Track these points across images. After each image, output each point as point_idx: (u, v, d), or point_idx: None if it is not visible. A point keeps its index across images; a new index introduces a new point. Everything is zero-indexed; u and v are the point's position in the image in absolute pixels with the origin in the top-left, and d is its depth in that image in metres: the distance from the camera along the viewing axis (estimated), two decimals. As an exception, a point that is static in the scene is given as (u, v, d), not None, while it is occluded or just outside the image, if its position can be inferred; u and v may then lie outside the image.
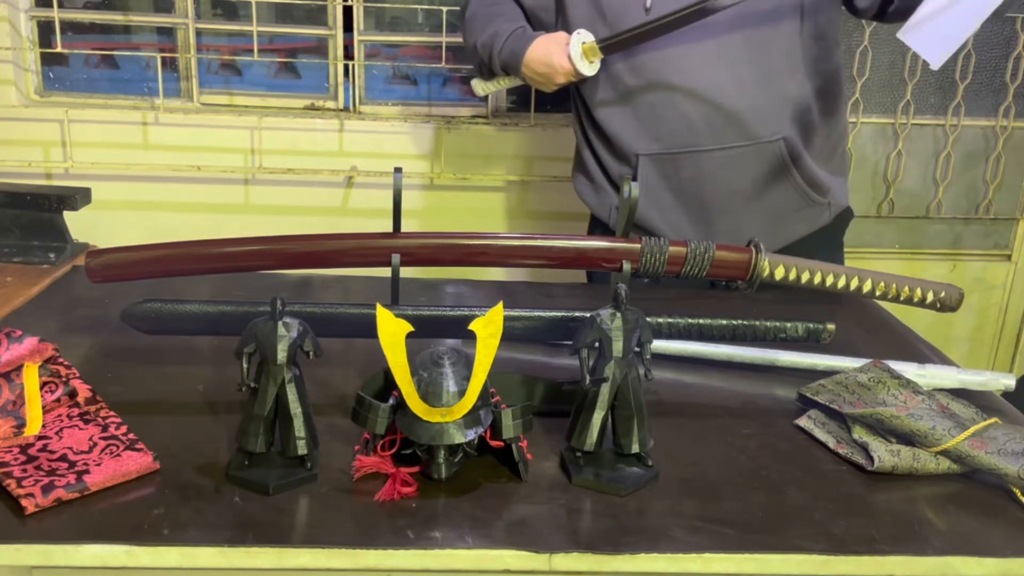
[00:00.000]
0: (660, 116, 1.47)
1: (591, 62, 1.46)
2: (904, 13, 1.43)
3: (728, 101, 1.44)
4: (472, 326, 0.86)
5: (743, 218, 1.50)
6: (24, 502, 0.79)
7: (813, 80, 1.48)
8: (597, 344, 0.91)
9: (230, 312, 1.05)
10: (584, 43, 1.44)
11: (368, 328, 0.92)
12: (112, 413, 0.94)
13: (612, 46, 1.44)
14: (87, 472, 0.83)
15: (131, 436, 0.89)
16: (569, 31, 1.51)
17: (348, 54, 2.23)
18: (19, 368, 0.95)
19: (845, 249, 1.66)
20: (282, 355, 0.85)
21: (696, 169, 1.48)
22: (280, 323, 0.86)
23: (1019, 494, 0.90)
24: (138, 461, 0.85)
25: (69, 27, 2.21)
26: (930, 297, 1.31)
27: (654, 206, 1.51)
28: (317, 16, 2.22)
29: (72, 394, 0.96)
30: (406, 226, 1.18)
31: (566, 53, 1.45)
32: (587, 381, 0.89)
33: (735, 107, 1.44)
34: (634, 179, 1.50)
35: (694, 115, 1.44)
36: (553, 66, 1.46)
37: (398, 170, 1.15)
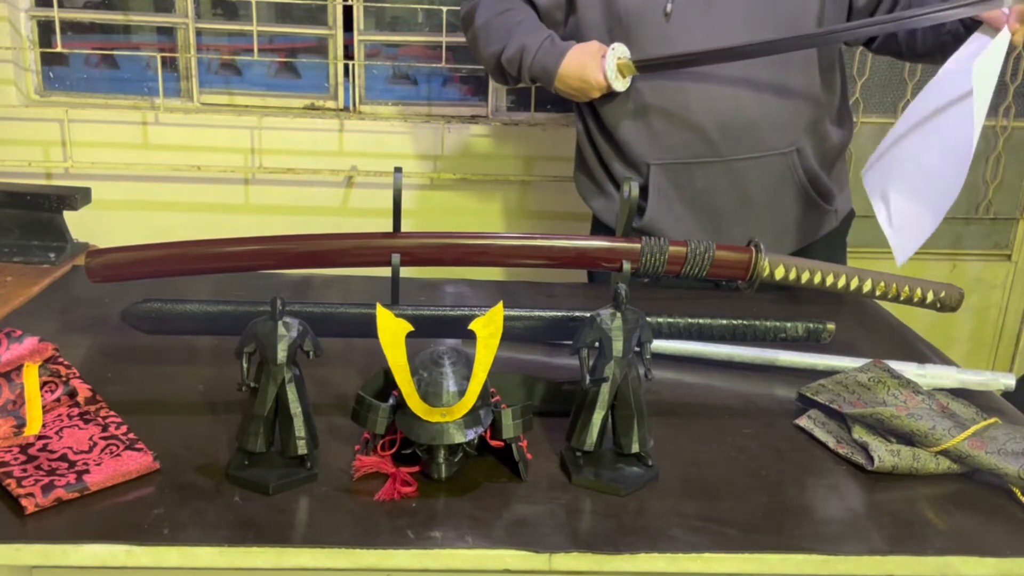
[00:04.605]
0: (675, 126, 1.45)
1: (624, 78, 1.44)
2: (886, 50, 1.45)
3: (745, 112, 1.43)
4: (472, 326, 0.86)
5: (754, 227, 1.49)
6: (24, 502, 0.79)
7: (826, 91, 1.48)
8: (597, 344, 0.91)
9: (230, 312, 1.05)
10: (619, 59, 1.42)
11: (368, 328, 0.92)
12: (112, 413, 0.94)
13: (649, 66, 1.41)
14: (87, 472, 0.83)
15: (131, 436, 0.89)
16: (582, 31, 1.49)
17: (348, 54, 2.23)
18: (19, 368, 0.95)
19: (847, 249, 1.66)
20: (282, 355, 0.85)
21: (709, 179, 1.47)
22: (280, 323, 0.86)
23: (1019, 494, 0.90)
24: (138, 461, 0.85)
25: (69, 27, 2.21)
26: (930, 297, 1.31)
27: (667, 216, 1.50)
28: (317, 16, 2.22)
29: (72, 394, 0.96)
30: (406, 226, 1.18)
31: (601, 69, 1.42)
32: (587, 381, 0.89)
33: (751, 118, 1.43)
34: (645, 188, 1.49)
35: (710, 126, 1.43)
36: (588, 81, 1.43)
37: (398, 170, 1.15)
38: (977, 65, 1.21)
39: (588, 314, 0.94)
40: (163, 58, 2.15)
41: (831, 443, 0.98)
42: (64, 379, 0.97)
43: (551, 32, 1.50)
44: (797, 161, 1.46)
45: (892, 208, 1.31)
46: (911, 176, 1.30)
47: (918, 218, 1.28)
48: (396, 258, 1.16)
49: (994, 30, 1.24)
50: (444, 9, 2.18)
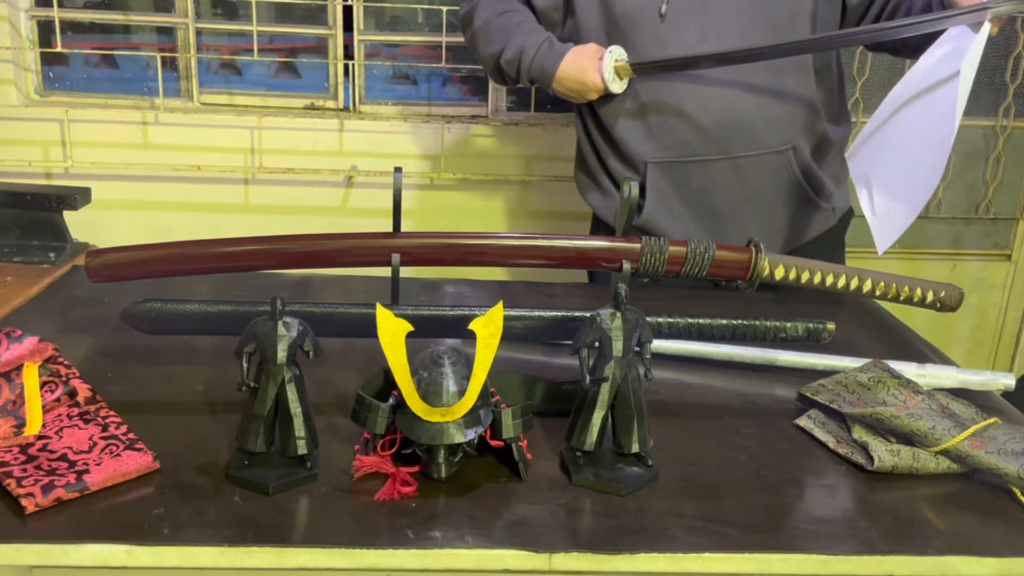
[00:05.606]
0: (672, 125, 1.46)
1: (621, 80, 1.45)
2: (882, 48, 1.46)
3: (741, 111, 1.43)
4: (472, 326, 0.86)
5: (752, 225, 1.49)
6: (24, 502, 0.79)
7: (822, 89, 1.48)
8: (597, 344, 0.91)
9: (230, 312, 1.05)
10: (617, 61, 1.43)
11: (368, 328, 0.92)
12: (112, 413, 0.94)
13: (646, 68, 1.42)
14: (87, 472, 0.83)
15: (131, 436, 0.89)
16: (580, 33, 1.50)
17: (348, 54, 2.23)
18: (19, 368, 0.95)
19: (846, 248, 1.66)
20: (282, 355, 0.85)
21: (706, 178, 1.47)
22: (280, 323, 0.86)
23: (1019, 494, 0.90)
24: (138, 461, 0.85)
25: (69, 27, 2.21)
26: (930, 297, 1.31)
27: (664, 214, 1.50)
28: (317, 16, 2.22)
29: (72, 394, 0.96)
30: (406, 226, 1.18)
31: (599, 71, 1.43)
32: (587, 381, 0.89)
33: (747, 117, 1.43)
34: (643, 186, 1.50)
35: (706, 125, 1.44)
36: (586, 83, 1.44)
37: (398, 170, 1.15)
38: (961, 62, 1.21)
39: (588, 314, 0.93)
40: (163, 58, 2.15)
41: (831, 443, 0.98)
42: (64, 379, 0.97)
43: (549, 34, 1.50)
44: (793, 159, 1.47)
45: (875, 195, 1.31)
46: (892, 165, 1.30)
47: (898, 208, 1.28)
48: (396, 258, 1.16)
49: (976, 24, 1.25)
50: (444, 9, 2.18)
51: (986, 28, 1.21)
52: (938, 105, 1.23)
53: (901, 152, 1.29)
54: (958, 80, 1.20)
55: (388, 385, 0.95)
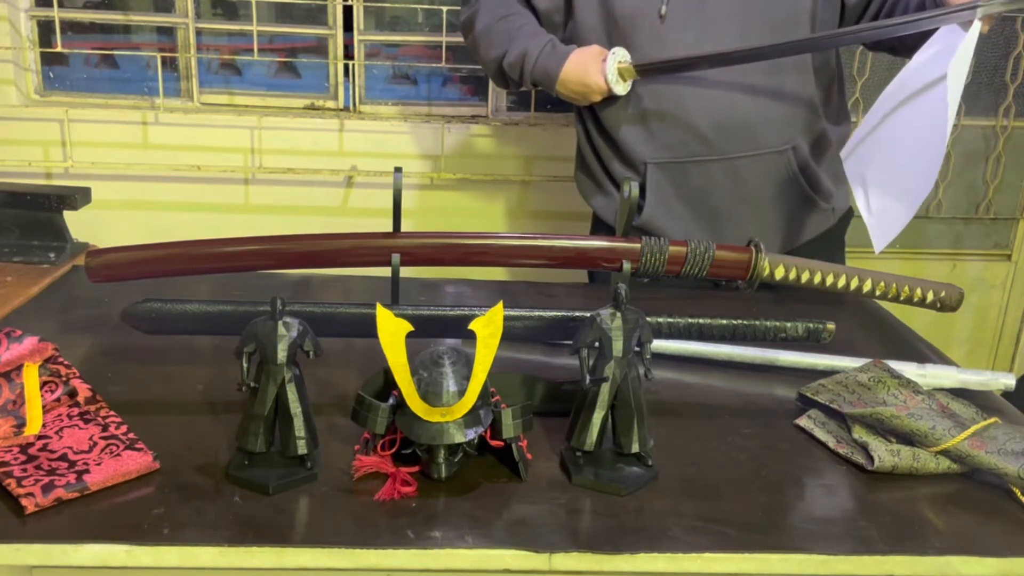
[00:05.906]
0: (671, 126, 1.46)
1: (625, 81, 1.45)
2: (879, 47, 1.47)
3: (740, 111, 1.43)
4: (472, 326, 0.86)
5: (751, 225, 1.49)
6: (24, 502, 0.79)
7: (821, 89, 1.48)
8: (597, 344, 0.91)
9: (230, 312, 1.05)
10: (620, 63, 1.43)
11: (368, 328, 0.92)
12: (112, 413, 0.94)
13: (650, 70, 1.42)
14: (87, 472, 0.83)
15: (131, 436, 0.89)
16: (580, 34, 1.50)
17: (348, 54, 2.23)
18: (19, 368, 0.95)
19: (846, 248, 1.66)
20: (282, 355, 0.85)
21: (706, 178, 1.47)
22: (280, 323, 0.86)
23: (1019, 494, 0.90)
24: (138, 461, 0.85)
25: (69, 27, 2.21)
26: (930, 297, 1.31)
27: (665, 214, 1.50)
28: (317, 16, 2.22)
29: (72, 394, 0.96)
30: (406, 226, 1.18)
31: (602, 72, 1.42)
32: (587, 381, 0.89)
33: (746, 117, 1.43)
34: (643, 187, 1.50)
35: (705, 125, 1.44)
36: (589, 85, 1.44)
37: (398, 170, 1.15)
38: (952, 61, 1.21)
39: (588, 314, 0.93)
40: (163, 58, 2.15)
41: (831, 443, 0.98)
42: (64, 379, 0.97)
43: (552, 37, 1.50)
44: (793, 159, 1.47)
45: (871, 195, 1.31)
46: (887, 165, 1.30)
47: (895, 208, 1.28)
48: (396, 258, 1.16)
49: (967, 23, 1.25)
50: (444, 9, 2.18)
51: (976, 27, 1.21)
52: (931, 104, 1.23)
53: (896, 152, 1.29)
54: (951, 85, 1.20)
55: (388, 385, 0.95)
